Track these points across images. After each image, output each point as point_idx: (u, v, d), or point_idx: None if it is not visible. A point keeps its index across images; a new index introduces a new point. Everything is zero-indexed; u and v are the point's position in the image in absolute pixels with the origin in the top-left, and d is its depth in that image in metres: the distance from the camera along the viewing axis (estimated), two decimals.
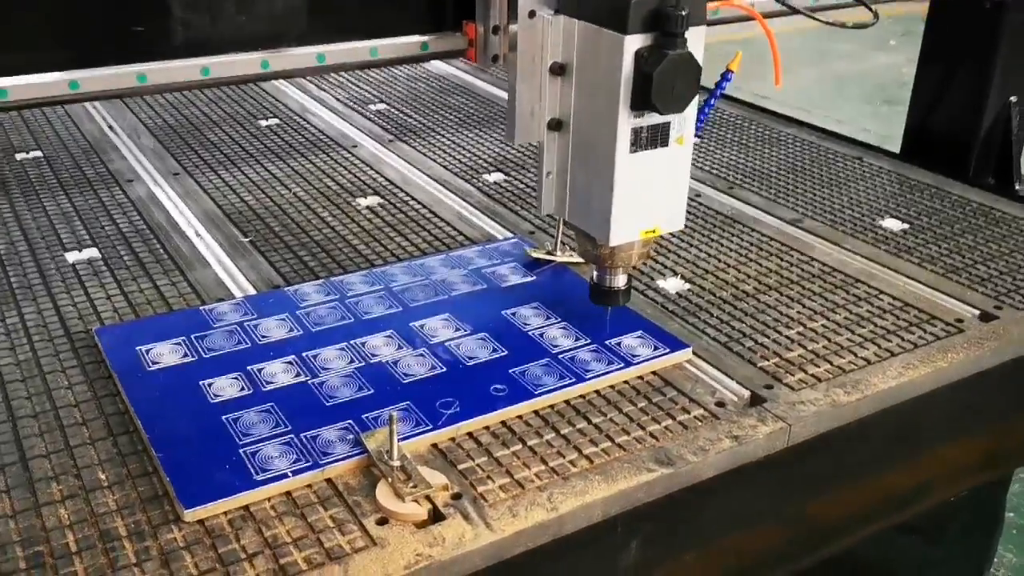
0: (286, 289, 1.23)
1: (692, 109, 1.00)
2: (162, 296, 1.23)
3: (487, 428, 0.99)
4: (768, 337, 1.17)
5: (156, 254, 1.35)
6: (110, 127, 1.85)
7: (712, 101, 1.08)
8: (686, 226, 1.45)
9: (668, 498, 0.95)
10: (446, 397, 1.01)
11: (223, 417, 0.97)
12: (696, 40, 0.95)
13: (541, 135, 1.05)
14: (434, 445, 0.96)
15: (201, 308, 1.18)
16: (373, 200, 1.54)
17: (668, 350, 1.11)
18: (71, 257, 1.34)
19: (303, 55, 1.75)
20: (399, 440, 0.92)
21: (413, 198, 1.55)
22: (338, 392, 1.02)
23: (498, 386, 1.04)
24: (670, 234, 1.43)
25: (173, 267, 1.31)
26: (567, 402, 1.04)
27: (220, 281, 1.27)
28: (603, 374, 1.06)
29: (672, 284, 1.30)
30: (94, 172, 1.63)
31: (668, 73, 0.92)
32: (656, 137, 0.99)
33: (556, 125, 1.04)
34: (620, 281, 1.12)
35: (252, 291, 1.25)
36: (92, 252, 1.35)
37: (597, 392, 1.05)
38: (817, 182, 1.66)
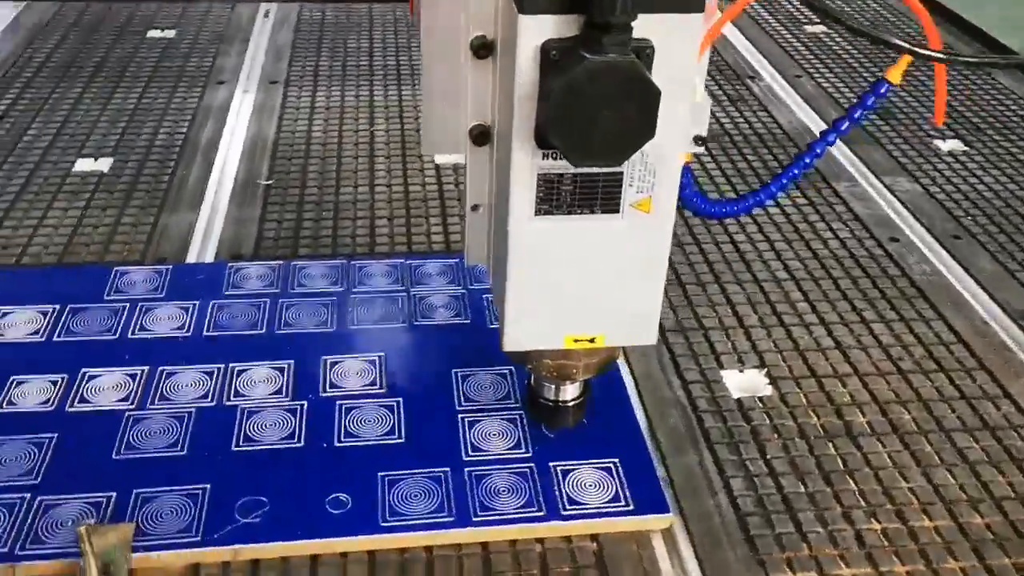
0: (230, 265, 0.96)
1: (675, 156, 0.56)
2: (109, 237, 1.02)
3: (284, 560, 0.67)
4: (827, 524, 0.72)
5: (158, 180, 1.14)
6: (266, 14, 1.66)
7: (840, 128, 0.63)
8: (835, 288, 0.99)
9: None
10: (262, 494, 0.71)
11: None
12: (679, 38, 0.52)
13: (462, 147, 0.67)
14: (195, 566, 0.67)
15: (116, 268, 0.95)
16: (455, 157, 1.22)
17: (632, 507, 0.71)
18: (79, 165, 1.17)
19: None
20: (133, 553, 0.64)
21: None
22: (145, 441, 0.75)
23: (342, 496, 0.71)
24: (796, 293, 0.97)
25: (157, 201, 1.10)
26: (428, 550, 0.69)
27: (188, 232, 1.04)
28: (505, 521, 0.69)
29: (744, 380, 0.86)
30: (196, 66, 1.45)
31: (577, 92, 0.50)
32: (591, 196, 0.57)
33: (482, 137, 0.65)
34: (568, 393, 0.72)
35: (209, 255, 1.00)
36: (104, 164, 1.17)
37: (483, 546, 0.69)
38: None
